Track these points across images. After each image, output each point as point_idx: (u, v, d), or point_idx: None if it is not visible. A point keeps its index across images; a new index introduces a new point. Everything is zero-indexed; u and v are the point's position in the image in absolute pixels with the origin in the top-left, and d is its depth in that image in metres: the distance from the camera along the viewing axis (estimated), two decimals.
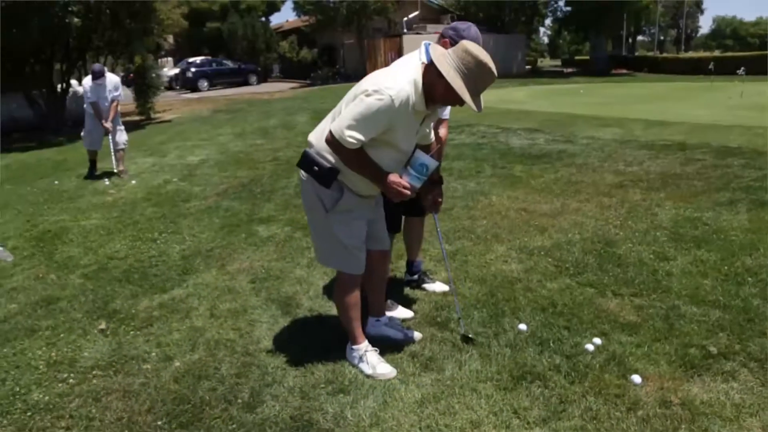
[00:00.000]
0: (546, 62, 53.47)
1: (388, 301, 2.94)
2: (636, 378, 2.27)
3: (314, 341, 2.78)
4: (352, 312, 2.52)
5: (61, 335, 3.07)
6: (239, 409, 2.31)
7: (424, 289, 3.28)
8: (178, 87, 26.41)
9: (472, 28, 2.55)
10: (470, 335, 2.67)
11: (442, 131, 2.95)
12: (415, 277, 3.33)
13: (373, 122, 2.07)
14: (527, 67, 31.57)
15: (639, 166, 5.98)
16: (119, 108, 6.88)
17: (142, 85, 14.94)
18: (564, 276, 3.32)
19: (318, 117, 11.25)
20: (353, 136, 2.07)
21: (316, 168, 2.26)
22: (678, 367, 2.36)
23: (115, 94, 6.54)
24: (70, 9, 10.42)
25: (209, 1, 29.32)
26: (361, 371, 2.47)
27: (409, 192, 2.25)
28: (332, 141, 2.16)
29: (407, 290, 3.31)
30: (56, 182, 7.11)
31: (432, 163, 2.25)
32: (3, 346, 2.99)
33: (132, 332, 3.05)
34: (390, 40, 22.55)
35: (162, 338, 2.95)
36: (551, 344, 2.60)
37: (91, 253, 4.37)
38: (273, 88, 24.07)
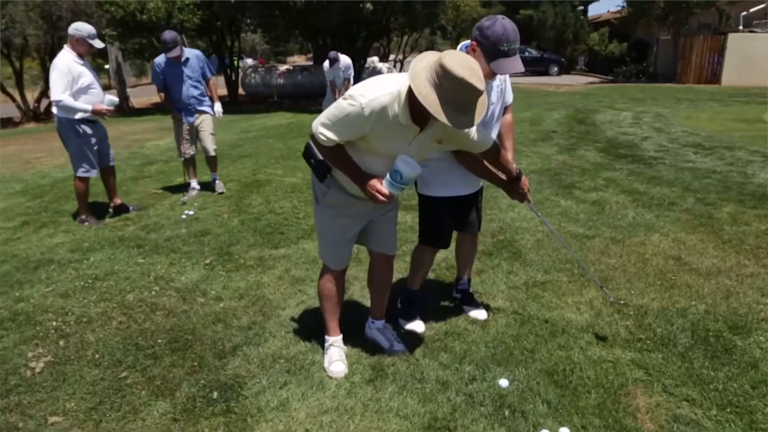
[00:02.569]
0: None
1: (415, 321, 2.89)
2: None
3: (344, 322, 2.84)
4: (326, 303, 2.59)
5: (182, 260, 3.93)
6: (213, 355, 2.68)
7: (462, 310, 3.05)
8: None
9: (497, 24, 2.21)
10: (621, 302, 2.96)
11: (507, 117, 2.77)
12: (458, 295, 3.12)
13: (343, 125, 2.09)
14: None
15: None
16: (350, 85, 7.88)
17: None
18: (624, 348, 2.63)
19: (574, 117, 10.78)
20: (324, 134, 2.13)
21: (312, 160, 2.36)
22: None
23: (348, 73, 7.51)
24: None
25: None
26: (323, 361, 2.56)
27: (383, 198, 2.18)
28: (311, 134, 2.24)
29: (444, 303, 3.13)
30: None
31: (408, 171, 2.10)
32: (146, 256, 4.00)
33: (222, 272, 3.70)
34: (711, 39, 18.93)
35: (230, 283, 3.52)
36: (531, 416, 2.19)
37: (264, 205, 5.28)
38: (569, 80, 23.08)
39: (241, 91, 18.67)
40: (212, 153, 5.75)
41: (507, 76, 2.64)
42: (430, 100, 1.89)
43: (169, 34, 5.19)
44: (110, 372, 2.55)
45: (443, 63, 1.88)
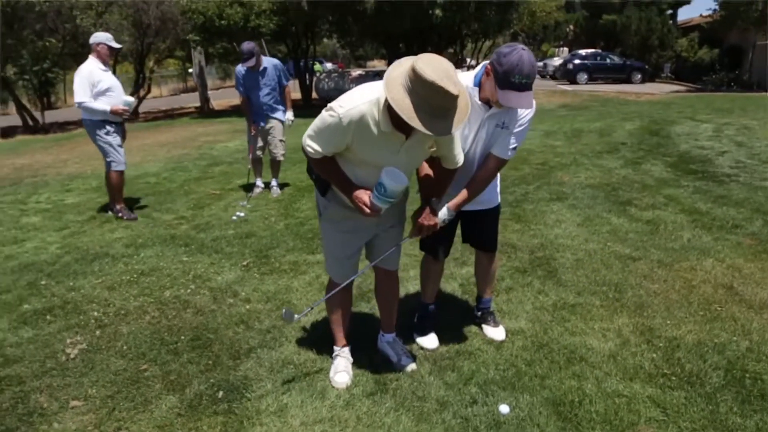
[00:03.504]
0: None
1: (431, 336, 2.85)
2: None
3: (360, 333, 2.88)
4: (333, 315, 2.62)
5: (222, 260, 4.11)
6: (228, 355, 2.79)
7: (480, 328, 2.98)
8: (558, 77, 26.95)
9: (514, 54, 2.12)
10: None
11: (488, 166, 2.47)
12: (479, 313, 3.05)
13: (325, 137, 2.11)
14: None
15: None
16: None
17: None
18: (645, 383, 2.47)
19: (647, 128, 10.22)
20: (311, 146, 2.16)
21: (313, 174, 2.40)
22: None
23: None
24: (438, 1, 12.02)
25: None
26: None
27: (368, 210, 2.18)
28: (302, 146, 2.26)
29: (464, 320, 3.07)
30: None
31: (391, 184, 2.08)
32: (191, 255, 4.22)
33: (256, 275, 3.84)
34: None
35: (261, 286, 3.64)
36: None
37: (312, 210, 5.40)
38: (651, 89, 21.84)
39: (314, 95, 19.21)
40: (279, 158, 6.01)
41: (525, 122, 2.43)
42: (402, 105, 1.86)
43: (246, 46, 5.50)
44: (133, 364, 2.72)
45: (415, 67, 1.84)
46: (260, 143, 5.97)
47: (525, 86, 2.13)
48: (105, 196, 6.25)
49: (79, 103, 4.88)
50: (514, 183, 6.23)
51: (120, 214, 5.25)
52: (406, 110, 1.87)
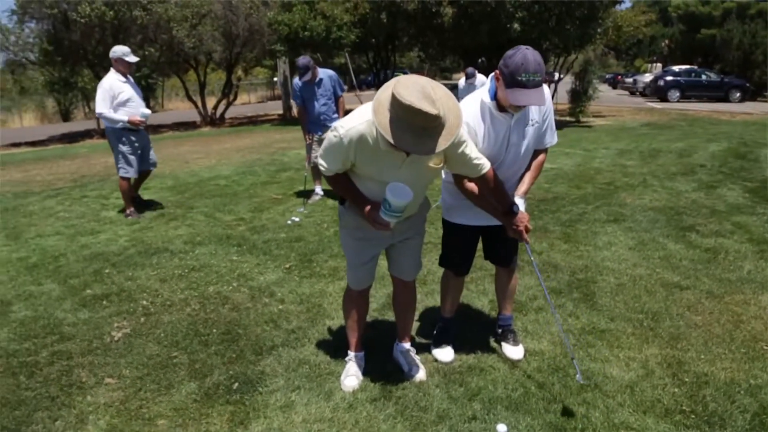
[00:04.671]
0: None
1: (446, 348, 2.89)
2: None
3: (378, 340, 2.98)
4: (348, 321, 2.72)
5: (268, 261, 4.34)
6: (252, 351, 2.96)
7: (500, 345, 2.96)
8: (648, 94, 25.67)
9: (518, 54, 2.19)
10: (583, 381, 2.54)
11: (540, 157, 2.63)
12: (499, 330, 3.03)
13: (331, 155, 2.23)
14: None
15: None
16: None
17: (578, 86, 15.38)
18: (659, 418, 2.34)
19: (734, 150, 9.54)
20: (322, 164, 2.29)
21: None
22: None
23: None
24: (516, 15, 11.89)
25: (712, 5, 26.37)
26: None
27: (379, 224, 2.27)
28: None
29: (484, 335, 3.06)
30: None
31: (395, 199, 2.15)
32: (241, 254, 4.48)
33: (296, 277, 4.02)
34: None
35: (298, 288, 3.81)
36: None
37: None
38: (749, 108, 20.22)
39: None
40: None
41: (550, 114, 2.55)
42: (387, 128, 1.94)
43: (302, 61, 5.78)
44: (166, 350, 2.96)
45: (394, 90, 1.91)
46: (317, 151, 6.22)
47: (533, 83, 2.17)
48: (177, 195, 6.75)
49: (99, 114, 5.41)
50: (573, 202, 6.05)
51: (129, 216, 5.68)
52: (390, 132, 1.95)
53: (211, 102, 18.33)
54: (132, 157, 5.61)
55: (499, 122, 2.41)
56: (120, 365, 2.82)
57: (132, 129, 5.53)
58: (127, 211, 5.76)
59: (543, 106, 2.44)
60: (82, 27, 13.32)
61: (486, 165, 2.33)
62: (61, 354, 2.95)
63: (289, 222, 5.44)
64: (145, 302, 3.58)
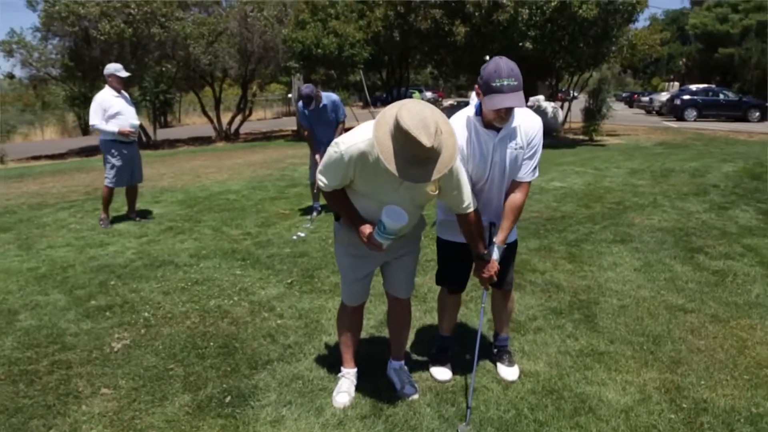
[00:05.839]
0: None
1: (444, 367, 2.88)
2: None
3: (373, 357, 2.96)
4: (342, 336, 2.72)
5: (270, 276, 4.37)
6: (247, 365, 2.97)
7: (495, 366, 2.94)
8: (664, 113, 25.52)
9: (491, 63, 2.25)
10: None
11: (516, 196, 2.54)
12: (495, 351, 3.01)
13: (331, 171, 2.25)
14: None
15: None
16: None
17: (592, 104, 15.33)
18: None
19: (749, 170, 9.42)
20: (321, 180, 2.32)
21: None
22: None
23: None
24: (528, 34, 11.95)
25: (731, 23, 26.20)
26: None
27: (372, 245, 2.29)
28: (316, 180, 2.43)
29: (481, 356, 3.03)
30: None
31: (390, 222, 2.18)
32: (244, 269, 4.52)
33: (297, 293, 4.04)
34: None
35: (297, 303, 3.82)
36: None
37: None
38: None
39: None
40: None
41: (537, 149, 2.52)
42: (383, 148, 1.96)
43: (305, 90, 5.99)
44: (163, 362, 2.99)
45: (396, 113, 1.94)
46: None
47: (509, 87, 2.21)
48: (187, 209, 6.84)
49: (92, 125, 5.88)
50: (580, 221, 6.01)
51: (102, 224, 5.98)
52: (385, 153, 1.98)
53: (226, 117, 18.60)
54: (120, 168, 5.94)
55: (483, 139, 2.44)
56: (117, 376, 2.85)
57: (123, 141, 5.90)
58: (101, 218, 6.07)
59: (538, 127, 2.46)
60: (102, 44, 13.68)
61: (470, 207, 2.37)
62: (61, 363, 2.99)
63: (294, 237, 5.48)
64: (146, 314, 3.62)
